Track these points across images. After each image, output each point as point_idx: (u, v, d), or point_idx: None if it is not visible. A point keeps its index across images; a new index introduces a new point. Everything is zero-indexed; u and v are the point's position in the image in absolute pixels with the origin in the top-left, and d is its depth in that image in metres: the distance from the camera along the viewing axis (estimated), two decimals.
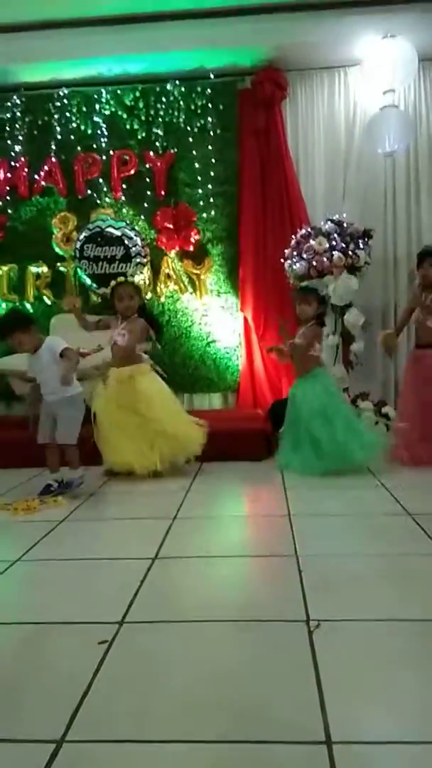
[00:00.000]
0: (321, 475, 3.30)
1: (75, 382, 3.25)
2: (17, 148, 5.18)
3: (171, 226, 5.05)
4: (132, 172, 5.11)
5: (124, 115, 5.11)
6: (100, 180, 5.14)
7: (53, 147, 5.15)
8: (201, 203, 5.08)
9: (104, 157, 5.12)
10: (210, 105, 5.03)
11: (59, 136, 5.15)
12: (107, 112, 5.12)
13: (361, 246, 4.37)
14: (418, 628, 1.62)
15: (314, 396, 3.54)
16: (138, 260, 4.86)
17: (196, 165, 5.07)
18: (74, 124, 5.14)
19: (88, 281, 4.96)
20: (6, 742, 1.20)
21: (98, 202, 5.16)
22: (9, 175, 5.18)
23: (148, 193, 5.12)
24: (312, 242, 4.34)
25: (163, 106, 5.07)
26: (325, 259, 4.28)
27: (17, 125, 5.17)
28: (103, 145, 5.13)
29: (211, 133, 5.05)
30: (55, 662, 1.51)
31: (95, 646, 1.55)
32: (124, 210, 5.15)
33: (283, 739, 1.18)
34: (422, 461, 3.49)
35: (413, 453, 3.54)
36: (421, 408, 3.61)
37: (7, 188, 5.18)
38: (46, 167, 5.14)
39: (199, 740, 1.18)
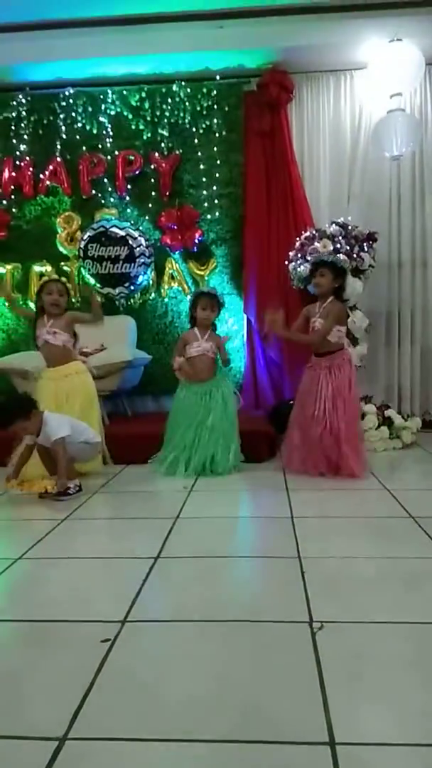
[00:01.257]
0: None
1: None
2: (22, 147, 5.20)
3: (175, 226, 5.06)
4: (137, 172, 5.12)
5: (130, 116, 5.13)
6: (105, 180, 5.16)
7: (58, 146, 5.16)
8: (205, 204, 5.09)
9: (109, 158, 5.13)
10: (216, 106, 5.05)
11: (64, 136, 5.16)
12: (113, 113, 5.13)
13: (366, 249, 4.38)
14: (422, 630, 1.61)
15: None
16: (142, 260, 4.87)
17: (201, 166, 5.08)
18: (80, 124, 5.16)
19: (92, 281, 4.96)
20: (8, 739, 1.20)
21: (103, 201, 5.17)
22: (14, 174, 5.19)
23: (153, 193, 5.12)
24: (316, 244, 4.34)
25: (169, 107, 5.08)
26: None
27: (23, 124, 5.19)
28: (109, 145, 5.14)
29: (217, 134, 5.06)
30: (57, 660, 1.50)
31: (98, 645, 1.54)
32: (129, 210, 5.16)
33: (286, 740, 1.17)
34: (301, 468, 3.48)
35: (295, 459, 3.53)
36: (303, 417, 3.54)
37: (12, 187, 5.20)
38: (51, 167, 5.15)
39: (202, 739, 1.18)
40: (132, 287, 4.96)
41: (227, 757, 1.13)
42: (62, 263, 5.18)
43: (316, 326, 3.54)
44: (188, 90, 5.05)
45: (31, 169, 5.18)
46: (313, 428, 3.43)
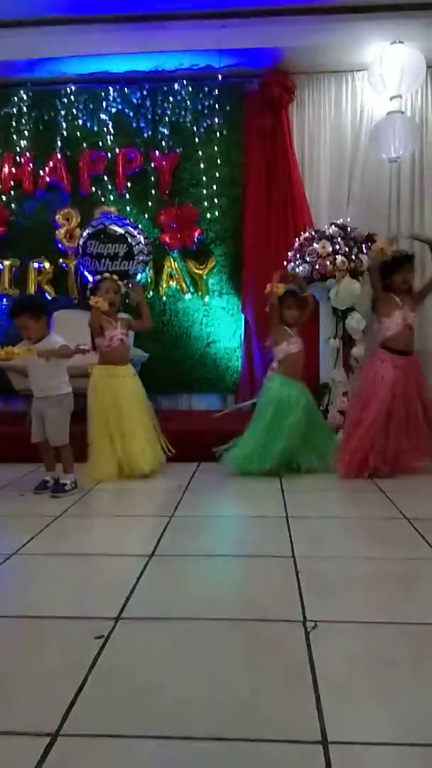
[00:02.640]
0: None
1: (65, 382, 3.21)
2: (23, 143, 5.19)
3: (174, 225, 5.05)
4: (137, 170, 5.11)
5: (131, 113, 5.12)
6: (105, 177, 5.15)
7: (59, 143, 5.15)
8: (205, 203, 5.09)
9: (109, 155, 5.13)
10: (217, 106, 5.04)
11: (65, 133, 5.16)
12: (113, 110, 5.12)
13: (365, 251, 4.37)
14: (415, 630, 1.61)
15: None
16: (141, 258, 4.85)
17: (202, 165, 5.08)
18: (80, 121, 5.15)
19: (90, 278, 4.95)
20: (1, 735, 1.19)
21: (102, 199, 5.17)
22: (14, 169, 5.18)
23: (153, 191, 5.12)
24: (315, 245, 4.34)
25: (170, 106, 5.08)
26: (327, 263, 4.28)
27: (23, 120, 5.18)
28: (109, 142, 5.14)
29: (218, 133, 5.06)
30: (50, 656, 1.50)
31: (91, 641, 1.54)
32: (128, 208, 5.15)
33: (279, 738, 1.17)
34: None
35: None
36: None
37: (12, 183, 5.18)
38: (51, 163, 5.14)
39: (195, 737, 1.18)
40: (130, 285, 4.94)
41: (220, 754, 1.13)
42: (61, 260, 5.16)
43: (410, 322, 3.55)
44: (190, 89, 5.04)
45: (31, 165, 5.16)
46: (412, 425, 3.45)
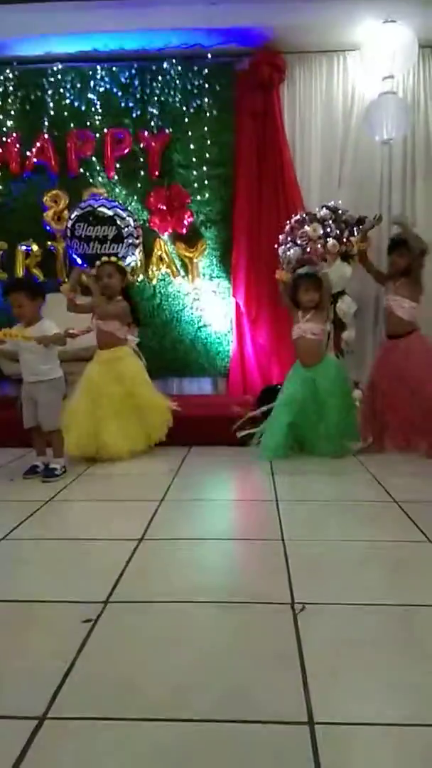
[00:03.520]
0: None
1: (56, 366, 3.21)
2: (9, 123, 5.09)
3: (164, 207, 4.99)
4: (126, 151, 5.03)
5: (119, 93, 5.03)
6: (93, 158, 5.07)
7: (46, 123, 5.06)
8: (195, 185, 5.03)
9: (98, 135, 5.04)
10: (207, 85, 4.96)
11: (52, 113, 5.06)
12: (102, 89, 5.03)
13: (356, 233, 4.35)
14: (402, 612, 1.62)
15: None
16: (130, 241, 4.80)
17: (192, 146, 5.01)
18: (68, 101, 5.05)
19: (79, 261, 4.90)
20: None
21: (91, 180, 5.09)
22: (0, 150, 5.08)
23: (142, 173, 5.05)
24: (306, 228, 4.32)
25: (159, 85, 4.99)
26: (319, 246, 4.26)
27: (9, 100, 5.07)
28: (97, 122, 5.05)
29: (208, 114, 4.98)
30: (38, 640, 1.50)
31: (79, 625, 1.54)
32: (117, 189, 5.08)
33: (266, 719, 1.18)
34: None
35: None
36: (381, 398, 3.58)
37: None
38: (38, 144, 5.05)
39: (183, 719, 1.18)
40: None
41: (208, 736, 1.14)
42: (49, 242, 5.10)
43: (392, 305, 3.56)
44: (179, 68, 4.95)
45: (17, 145, 5.07)
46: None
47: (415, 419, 3.52)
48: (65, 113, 5.05)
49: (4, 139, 5.08)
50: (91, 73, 5.01)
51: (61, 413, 3.24)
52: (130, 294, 3.81)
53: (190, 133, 4.99)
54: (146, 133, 5.00)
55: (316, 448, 3.51)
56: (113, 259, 3.75)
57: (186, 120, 4.99)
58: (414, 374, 3.48)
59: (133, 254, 4.90)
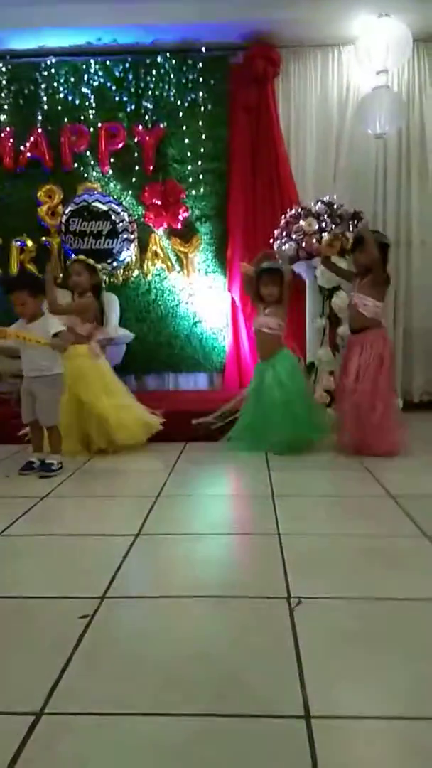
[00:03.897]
0: None
1: (56, 362, 3.19)
2: (2, 117, 5.07)
3: (159, 202, 4.98)
4: (120, 145, 5.02)
5: (113, 87, 5.00)
6: (88, 153, 5.05)
7: (40, 117, 5.04)
8: (190, 180, 5.02)
9: (92, 130, 5.02)
10: (201, 79, 4.95)
11: (46, 107, 5.04)
12: (95, 83, 5.01)
13: (351, 228, 4.34)
14: (398, 606, 1.63)
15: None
16: (125, 236, 4.79)
17: (186, 140, 5.00)
18: (61, 95, 5.03)
19: (74, 256, 4.87)
20: None
21: (85, 175, 5.07)
22: None
23: (137, 168, 5.04)
24: (301, 223, 4.31)
25: (153, 79, 4.98)
26: (314, 241, 4.25)
27: (3, 94, 5.06)
28: (91, 117, 5.03)
29: (202, 108, 4.97)
30: (35, 636, 1.50)
31: (76, 621, 1.54)
32: (112, 184, 5.06)
33: (263, 713, 1.19)
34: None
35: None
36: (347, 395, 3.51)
37: None
38: (32, 138, 5.03)
39: (179, 713, 1.19)
40: (114, 263, 4.89)
41: (205, 730, 1.14)
42: (43, 238, 5.08)
43: (356, 301, 3.53)
44: (173, 62, 4.94)
45: (11, 140, 5.05)
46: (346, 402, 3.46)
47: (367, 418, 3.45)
48: (59, 107, 5.03)
49: None
50: (84, 67, 4.99)
51: (57, 411, 3.23)
52: (100, 293, 3.78)
53: (184, 128, 4.98)
54: (140, 127, 4.99)
55: (266, 441, 3.48)
56: (81, 257, 3.74)
57: (180, 114, 4.98)
58: (369, 370, 3.44)
59: (128, 249, 4.89)
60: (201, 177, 5.02)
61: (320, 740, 1.10)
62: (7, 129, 5.04)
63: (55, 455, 3.19)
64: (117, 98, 5.01)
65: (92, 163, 5.06)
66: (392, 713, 1.19)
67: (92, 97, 5.01)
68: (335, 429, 3.58)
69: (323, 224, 4.29)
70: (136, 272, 5.08)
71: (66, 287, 3.82)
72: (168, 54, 4.93)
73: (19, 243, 5.08)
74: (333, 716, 1.18)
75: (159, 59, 4.94)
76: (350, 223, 4.36)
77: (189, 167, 5.01)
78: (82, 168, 5.07)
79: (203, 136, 4.99)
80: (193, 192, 5.03)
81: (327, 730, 1.13)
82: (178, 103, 4.97)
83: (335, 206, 4.38)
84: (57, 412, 3.21)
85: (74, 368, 3.44)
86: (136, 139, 5.00)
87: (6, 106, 5.06)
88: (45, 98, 5.03)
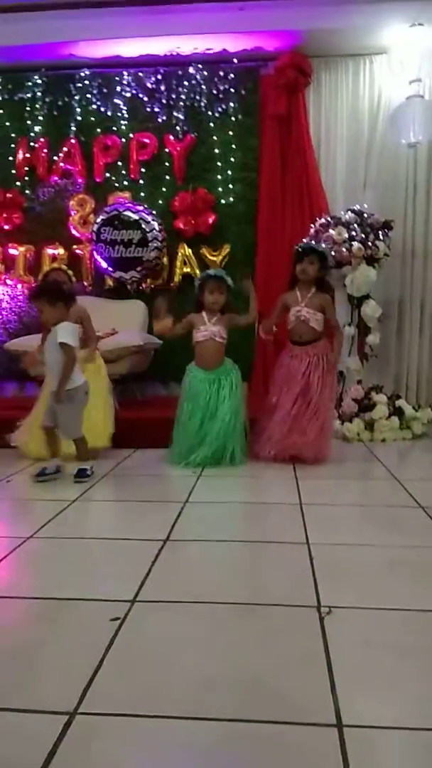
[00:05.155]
0: None
1: (76, 375, 3.17)
2: (37, 128, 5.18)
3: (188, 211, 5.02)
4: (151, 155, 5.08)
5: (145, 98, 5.08)
6: (119, 163, 5.13)
7: (73, 128, 5.14)
8: (220, 189, 5.06)
9: (123, 140, 5.10)
10: (232, 90, 5.00)
11: (79, 118, 5.14)
12: (128, 95, 5.09)
13: (381, 237, 4.33)
14: (429, 618, 1.61)
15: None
16: (155, 245, 4.84)
17: (216, 150, 5.04)
18: (94, 106, 5.13)
19: (104, 264, 4.95)
20: (21, 713, 1.22)
21: (116, 185, 5.15)
22: (28, 155, 5.18)
23: (167, 177, 5.10)
24: (331, 232, 4.31)
25: (185, 90, 5.04)
26: (344, 250, 4.25)
27: (37, 105, 5.17)
28: (123, 127, 5.11)
29: (233, 118, 5.02)
30: (68, 637, 1.52)
31: (107, 623, 1.56)
32: (142, 194, 5.13)
33: (293, 720, 1.18)
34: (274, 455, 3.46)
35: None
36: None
37: (26, 169, 5.18)
38: (65, 148, 5.13)
39: (209, 718, 1.19)
40: (144, 271, 4.95)
41: (235, 735, 1.15)
42: (75, 246, 5.17)
43: (303, 315, 3.52)
44: (205, 73, 4.99)
45: (45, 150, 5.16)
46: (298, 415, 3.44)
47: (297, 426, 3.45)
48: (92, 118, 5.13)
49: (32, 144, 5.17)
50: (117, 78, 5.08)
51: (80, 421, 3.20)
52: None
53: (214, 138, 5.03)
54: (171, 137, 5.05)
55: (198, 452, 3.41)
56: (63, 267, 3.79)
57: (211, 124, 5.03)
58: (311, 381, 3.47)
59: (157, 257, 4.94)
60: (231, 186, 5.05)
61: (352, 749, 1.10)
62: (42, 140, 5.15)
63: (88, 462, 3.20)
64: (149, 109, 5.08)
65: (123, 172, 5.14)
66: (425, 724, 1.17)
67: (124, 108, 5.10)
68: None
69: (353, 233, 4.28)
70: (164, 280, 5.12)
71: None
72: (200, 65, 4.99)
73: (51, 251, 5.16)
74: (365, 725, 1.17)
75: (191, 70, 5.00)
76: (379, 231, 4.35)
77: (219, 176, 5.06)
78: (113, 178, 5.15)
79: (233, 146, 5.03)
80: (222, 201, 5.07)
81: (359, 739, 1.13)
82: (209, 113, 5.02)
83: (365, 215, 4.38)
84: (78, 425, 3.19)
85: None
86: (166, 149, 5.06)
87: (41, 117, 5.17)
88: (78, 109, 5.13)
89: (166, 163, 5.09)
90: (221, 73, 4.98)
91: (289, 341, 3.65)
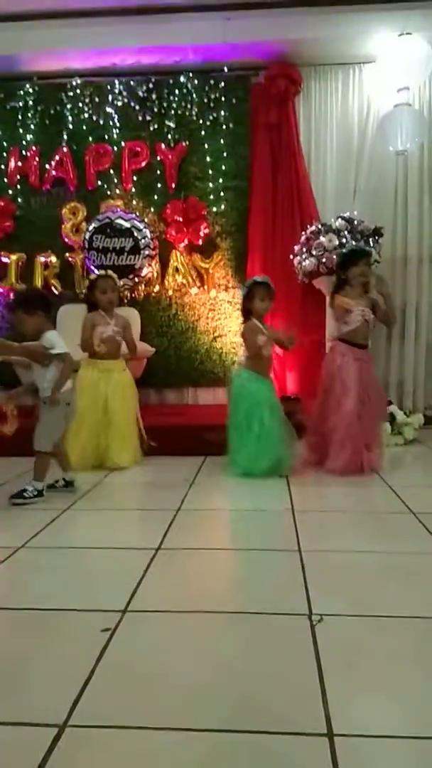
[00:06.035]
0: None
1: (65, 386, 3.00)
2: (29, 137, 5.19)
3: (180, 219, 5.04)
4: (143, 164, 5.11)
5: (137, 107, 5.10)
6: (111, 171, 5.14)
7: (65, 137, 5.15)
8: (211, 197, 5.08)
9: (115, 149, 5.12)
10: (223, 98, 5.03)
11: (71, 126, 5.15)
12: (119, 103, 5.11)
13: (372, 244, 4.36)
14: (421, 624, 1.61)
15: None
16: (146, 253, 4.85)
17: (208, 159, 5.07)
18: (86, 115, 5.14)
19: (97, 272, 4.94)
20: (10, 725, 1.21)
21: (108, 193, 5.16)
22: (20, 164, 5.18)
23: (159, 185, 5.11)
24: (322, 239, 4.33)
25: (176, 99, 5.06)
26: (334, 257, 4.26)
27: (29, 114, 5.18)
28: (115, 136, 5.13)
29: (224, 126, 5.04)
30: (58, 648, 1.51)
31: (98, 634, 1.55)
32: (134, 202, 5.14)
33: (284, 730, 1.18)
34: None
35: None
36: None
37: (18, 177, 5.19)
38: (57, 157, 5.14)
39: (200, 729, 1.19)
40: (136, 279, 4.96)
41: (226, 746, 1.14)
42: (67, 254, 5.17)
43: (369, 316, 3.46)
44: (195, 81, 5.02)
45: (37, 159, 5.16)
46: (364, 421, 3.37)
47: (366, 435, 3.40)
48: (84, 127, 5.14)
49: (24, 152, 5.18)
50: (109, 87, 5.10)
51: (54, 438, 3.00)
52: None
53: (206, 146, 5.06)
54: (163, 146, 5.07)
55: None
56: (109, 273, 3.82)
57: (202, 133, 5.06)
58: (371, 386, 3.47)
59: (149, 265, 4.95)
60: (222, 194, 5.07)
61: (344, 759, 1.09)
62: (33, 148, 5.16)
63: (36, 482, 2.94)
64: (140, 117, 5.10)
65: (115, 181, 5.15)
66: (417, 732, 1.17)
67: (116, 116, 5.12)
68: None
69: (343, 240, 4.30)
70: (157, 287, 5.13)
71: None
72: (191, 74, 5.01)
73: (43, 259, 5.16)
74: (356, 735, 1.17)
75: (182, 79, 5.03)
76: (370, 238, 4.38)
77: (210, 185, 5.08)
78: (105, 186, 5.16)
79: (225, 154, 5.05)
80: (214, 209, 5.09)
81: (350, 748, 1.13)
82: (201, 121, 5.05)
83: (355, 222, 4.40)
84: (48, 437, 2.96)
85: (107, 382, 3.59)
86: (158, 158, 5.08)
87: (32, 126, 5.18)
88: (70, 118, 5.14)
89: (158, 172, 5.10)
90: (212, 82, 5.01)
91: (343, 343, 3.50)
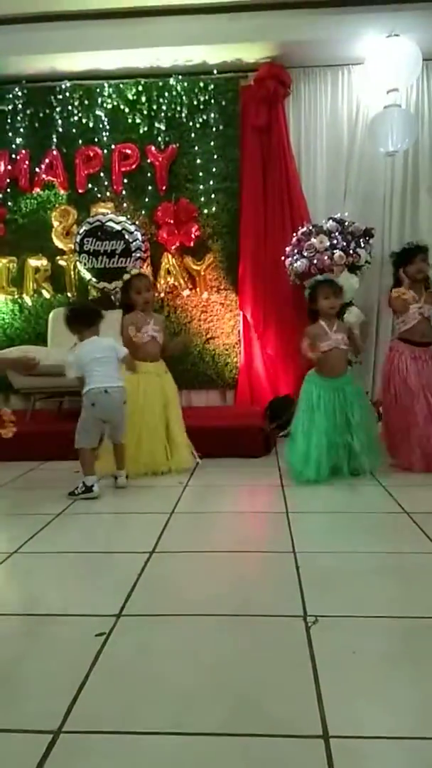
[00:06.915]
0: None
1: (88, 379, 3.12)
2: (18, 140, 5.17)
3: (171, 221, 5.04)
4: (133, 166, 5.10)
5: (126, 109, 5.09)
6: (101, 174, 5.13)
7: (54, 140, 5.13)
8: (202, 199, 5.08)
9: (105, 151, 5.11)
10: (213, 101, 5.02)
11: (60, 129, 5.13)
12: (109, 106, 5.10)
13: (362, 245, 4.37)
14: (415, 625, 1.62)
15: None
16: (138, 255, 4.84)
17: (198, 161, 5.06)
18: (76, 118, 5.13)
19: (88, 275, 4.94)
20: (3, 732, 1.20)
21: (99, 196, 5.15)
22: (10, 167, 5.16)
23: (149, 188, 5.11)
24: (313, 240, 4.34)
25: (166, 101, 5.06)
26: (326, 258, 4.28)
27: (18, 117, 5.15)
28: (105, 138, 5.12)
29: (214, 128, 5.04)
30: (52, 654, 1.50)
31: (93, 639, 1.54)
32: (125, 204, 5.14)
33: (280, 733, 1.18)
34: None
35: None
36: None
37: (8, 180, 5.17)
38: (47, 160, 5.13)
39: (196, 733, 1.18)
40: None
41: (222, 750, 1.14)
42: (58, 257, 5.15)
43: (427, 312, 3.44)
44: (185, 84, 5.02)
45: (27, 162, 5.14)
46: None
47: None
48: (73, 130, 5.13)
49: (13, 156, 5.16)
50: (98, 90, 5.09)
51: (89, 436, 3.12)
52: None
53: (196, 148, 5.05)
54: (153, 148, 5.06)
55: (346, 465, 3.28)
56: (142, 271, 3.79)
57: (192, 135, 5.06)
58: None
59: (140, 268, 4.94)
60: (213, 196, 5.08)
61: (339, 761, 1.09)
62: (23, 151, 5.14)
63: (87, 477, 3.06)
64: (130, 120, 5.09)
65: (106, 183, 5.14)
66: (412, 733, 1.18)
67: (106, 119, 5.11)
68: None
69: (334, 241, 4.32)
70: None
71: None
72: (180, 76, 5.02)
73: (34, 263, 5.14)
74: (352, 736, 1.17)
75: (171, 81, 5.03)
76: (360, 239, 4.40)
77: (201, 186, 5.08)
78: (96, 189, 5.15)
79: (215, 156, 5.06)
80: (205, 211, 5.09)
81: (346, 750, 1.13)
82: (190, 124, 5.05)
83: (346, 223, 4.42)
84: (80, 434, 3.11)
85: (147, 385, 3.53)
86: (149, 160, 5.08)
87: (22, 129, 5.16)
88: (60, 121, 5.13)
89: (149, 174, 5.10)
90: (201, 84, 5.01)
91: (402, 342, 3.51)
